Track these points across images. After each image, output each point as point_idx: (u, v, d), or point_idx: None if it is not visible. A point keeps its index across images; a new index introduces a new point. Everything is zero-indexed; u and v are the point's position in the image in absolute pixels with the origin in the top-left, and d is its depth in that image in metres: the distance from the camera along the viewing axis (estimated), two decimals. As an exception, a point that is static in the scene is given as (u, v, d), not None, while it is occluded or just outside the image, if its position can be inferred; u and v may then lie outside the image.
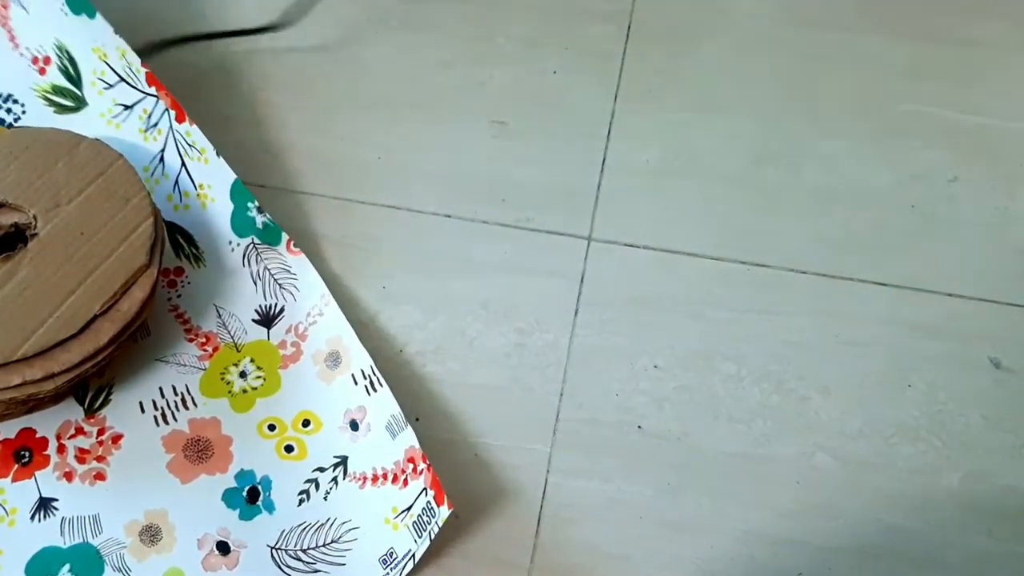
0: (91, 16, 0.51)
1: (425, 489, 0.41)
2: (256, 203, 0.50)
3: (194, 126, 0.50)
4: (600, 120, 0.57)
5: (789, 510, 0.46)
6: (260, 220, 0.49)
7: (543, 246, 0.53)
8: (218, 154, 0.50)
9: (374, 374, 0.45)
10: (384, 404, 0.44)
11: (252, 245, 0.50)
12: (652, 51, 0.59)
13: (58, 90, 0.54)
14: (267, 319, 0.49)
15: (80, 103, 0.54)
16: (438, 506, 0.40)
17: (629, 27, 0.60)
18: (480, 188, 0.54)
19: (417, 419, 0.48)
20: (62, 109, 0.54)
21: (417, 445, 0.42)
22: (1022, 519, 0.46)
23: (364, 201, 0.54)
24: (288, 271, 0.49)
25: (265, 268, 0.49)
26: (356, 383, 0.46)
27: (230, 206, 0.50)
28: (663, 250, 0.53)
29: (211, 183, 0.50)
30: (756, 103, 0.58)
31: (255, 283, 0.50)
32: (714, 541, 0.45)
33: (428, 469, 0.41)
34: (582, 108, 0.57)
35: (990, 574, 0.45)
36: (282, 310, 0.49)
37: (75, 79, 0.54)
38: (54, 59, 0.54)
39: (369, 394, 0.45)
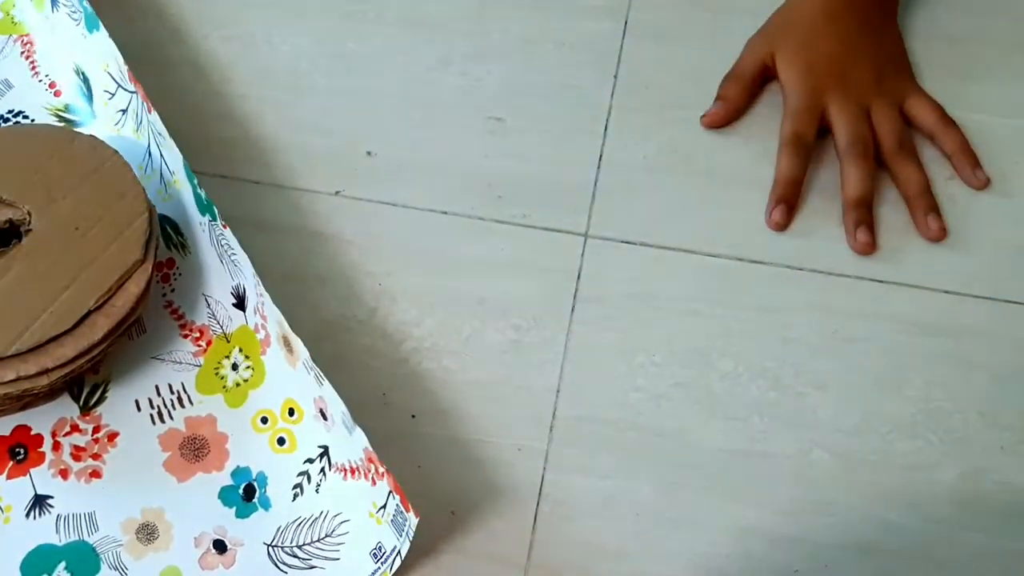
0: (97, 30, 0.53)
1: (391, 492, 0.41)
2: (196, 179, 0.49)
3: (154, 113, 0.50)
4: (597, 116, 0.56)
5: (786, 507, 0.46)
6: (204, 195, 0.48)
7: (540, 243, 0.52)
8: (168, 137, 0.49)
9: (316, 367, 0.44)
10: (334, 399, 0.43)
11: (210, 222, 0.49)
12: (649, 47, 0.59)
13: (70, 108, 0.56)
14: (240, 300, 0.49)
15: (88, 118, 0.55)
16: (406, 512, 0.40)
17: (626, 23, 0.60)
18: (476, 184, 0.54)
19: (413, 416, 0.47)
20: (71, 124, 0.55)
21: (369, 447, 0.42)
22: (1019, 516, 0.46)
23: (360, 197, 0.54)
24: (229, 245, 0.48)
25: (219, 244, 0.49)
26: (308, 371, 0.45)
27: (189, 187, 0.50)
28: (660, 246, 0.53)
29: (176, 167, 0.50)
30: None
31: (222, 262, 0.49)
32: (711, 538, 0.45)
33: (387, 473, 0.41)
34: (579, 104, 0.57)
35: (987, 571, 0.45)
36: (245, 289, 0.48)
37: (87, 96, 0.55)
38: (71, 82, 0.56)
39: (320, 385, 0.44)
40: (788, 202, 0.53)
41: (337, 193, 0.54)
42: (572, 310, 0.51)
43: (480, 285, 0.51)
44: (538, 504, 0.46)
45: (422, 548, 0.43)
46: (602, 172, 0.55)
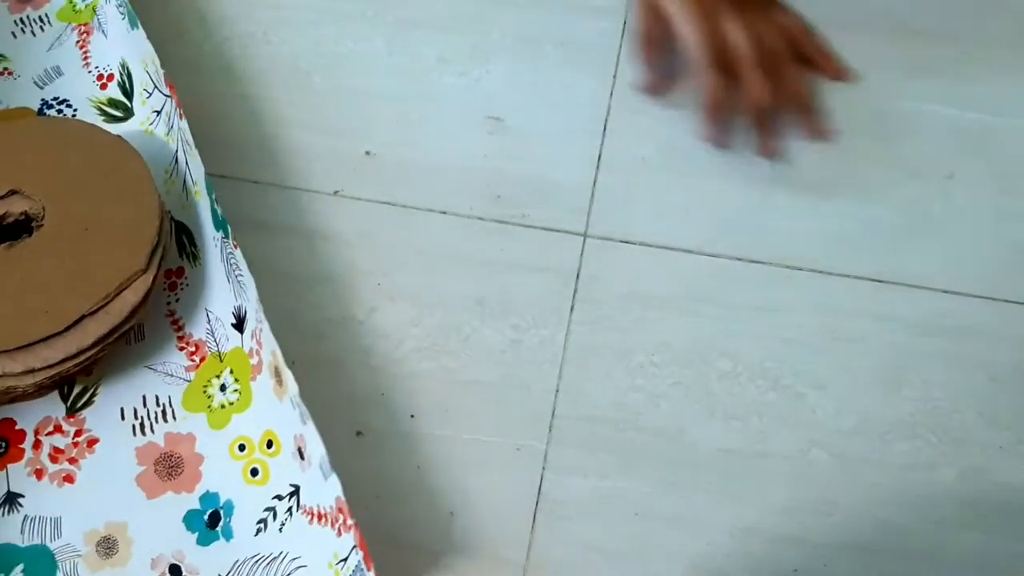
0: (136, 27, 0.53)
1: (355, 547, 0.40)
2: (215, 194, 0.49)
3: (184, 121, 0.50)
4: (596, 116, 0.57)
5: (784, 507, 0.46)
6: (220, 212, 0.48)
7: (538, 242, 0.53)
8: (195, 146, 0.49)
9: (302, 405, 0.43)
10: (314, 440, 0.42)
11: (222, 238, 0.48)
12: (648, 47, 0.59)
13: (113, 103, 0.55)
14: (240, 322, 0.48)
15: (128, 113, 0.55)
16: (367, 570, 0.39)
17: (626, 23, 0.60)
18: (475, 184, 0.54)
19: (412, 416, 0.48)
20: (111, 119, 0.55)
21: (343, 496, 0.40)
22: (1017, 516, 0.46)
23: (359, 197, 0.54)
24: (237, 265, 0.47)
25: (228, 262, 0.48)
26: (294, 407, 0.44)
27: (208, 200, 0.49)
28: (659, 246, 0.53)
29: (198, 178, 0.50)
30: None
31: (228, 280, 0.48)
32: (710, 538, 0.45)
33: (356, 527, 0.40)
34: (578, 104, 0.57)
35: (985, 571, 0.45)
36: (246, 312, 0.47)
37: (129, 93, 0.55)
38: (116, 76, 0.56)
39: (303, 423, 0.43)
40: (719, 118, 0.54)
41: (336, 193, 0.54)
42: (571, 310, 0.51)
43: (479, 285, 0.51)
44: (537, 504, 0.46)
45: (422, 548, 0.43)
46: (601, 172, 0.55)
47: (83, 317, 0.44)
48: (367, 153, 0.55)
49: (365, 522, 0.42)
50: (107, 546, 0.44)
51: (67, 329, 0.44)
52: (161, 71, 0.52)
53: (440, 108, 0.57)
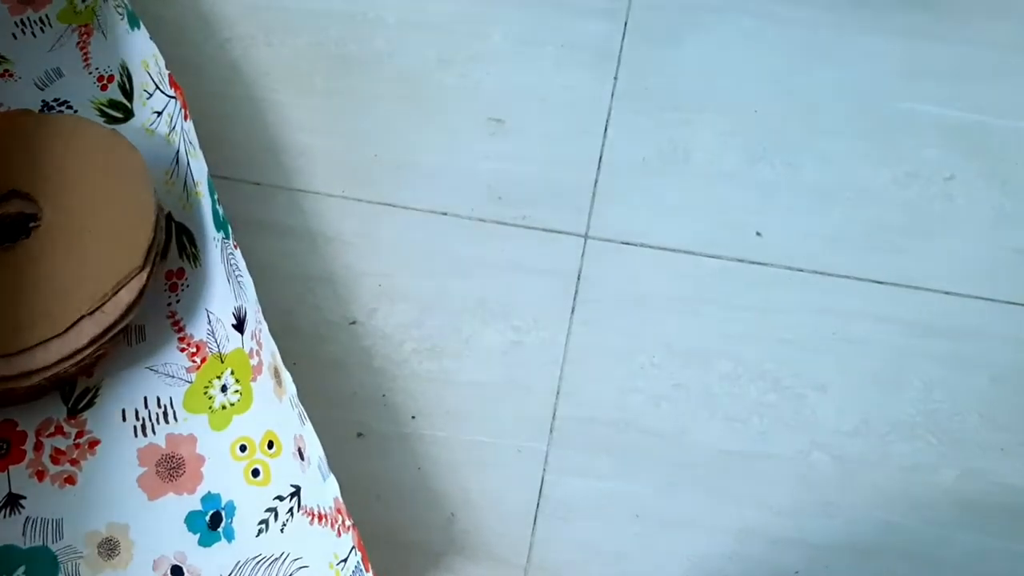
0: (138, 28, 0.53)
1: (354, 548, 0.40)
2: (216, 195, 0.49)
3: (189, 122, 0.50)
4: (597, 118, 0.57)
5: (786, 508, 0.46)
6: (221, 213, 0.48)
7: (540, 244, 0.53)
8: (199, 148, 0.49)
9: (300, 405, 0.43)
10: (313, 441, 0.42)
11: (223, 239, 0.48)
12: (649, 48, 0.59)
13: (113, 104, 0.55)
14: (240, 323, 0.48)
15: (128, 114, 0.55)
16: (366, 572, 0.39)
17: (626, 24, 0.60)
18: (477, 186, 0.54)
19: (413, 417, 0.48)
20: (111, 120, 0.55)
21: (340, 497, 0.40)
22: (1017, 516, 0.46)
23: (360, 199, 0.54)
24: (237, 267, 0.47)
25: (228, 263, 0.48)
26: (292, 408, 0.44)
27: (209, 201, 0.49)
28: (660, 248, 0.53)
29: (200, 179, 0.50)
30: (753, 100, 0.57)
31: (228, 281, 0.48)
32: (710, 539, 0.45)
33: (354, 528, 0.40)
34: (579, 106, 0.57)
35: (986, 571, 0.45)
36: (246, 312, 0.47)
37: (128, 93, 0.55)
38: (116, 77, 0.56)
39: (302, 424, 0.43)
40: None
41: (338, 194, 0.54)
42: (572, 311, 0.51)
43: (480, 286, 0.51)
44: (538, 505, 0.46)
45: (422, 549, 0.43)
46: (602, 173, 0.55)
47: (81, 318, 0.44)
48: (368, 155, 0.55)
49: (366, 523, 0.42)
50: (109, 548, 0.44)
51: (64, 331, 0.43)
52: (166, 72, 0.52)
53: (441, 109, 0.57)
